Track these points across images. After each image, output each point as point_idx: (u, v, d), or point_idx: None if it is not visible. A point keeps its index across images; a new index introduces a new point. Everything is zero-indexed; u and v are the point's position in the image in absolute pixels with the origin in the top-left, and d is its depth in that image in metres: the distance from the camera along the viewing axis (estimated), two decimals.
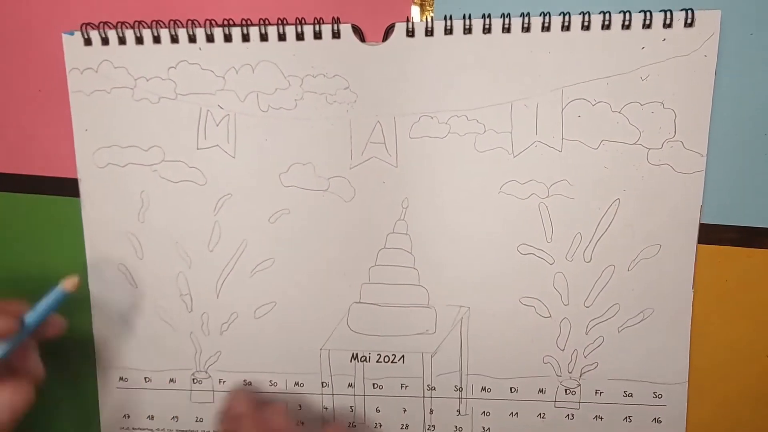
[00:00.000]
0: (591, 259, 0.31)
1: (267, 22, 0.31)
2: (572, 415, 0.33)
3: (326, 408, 0.34)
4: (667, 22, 0.28)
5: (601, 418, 0.33)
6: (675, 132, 0.29)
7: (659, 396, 0.32)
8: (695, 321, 0.31)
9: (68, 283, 0.29)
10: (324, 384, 0.34)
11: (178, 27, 0.31)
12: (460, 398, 0.33)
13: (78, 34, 0.32)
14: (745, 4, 0.28)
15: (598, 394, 0.32)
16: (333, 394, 0.34)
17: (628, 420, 0.32)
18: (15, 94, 0.33)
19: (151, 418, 0.35)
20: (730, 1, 0.28)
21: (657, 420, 0.32)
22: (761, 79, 0.29)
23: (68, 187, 0.34)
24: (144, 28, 0.31)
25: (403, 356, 0.33)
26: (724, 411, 0.32)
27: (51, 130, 0.33)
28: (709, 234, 0.31)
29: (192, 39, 0.31)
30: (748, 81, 0.29)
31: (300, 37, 0.30)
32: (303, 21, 0.30)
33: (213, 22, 0.31)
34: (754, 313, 0.31)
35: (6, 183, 0.35)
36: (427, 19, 0.30)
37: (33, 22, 0.33)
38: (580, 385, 0.32)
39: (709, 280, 0.31)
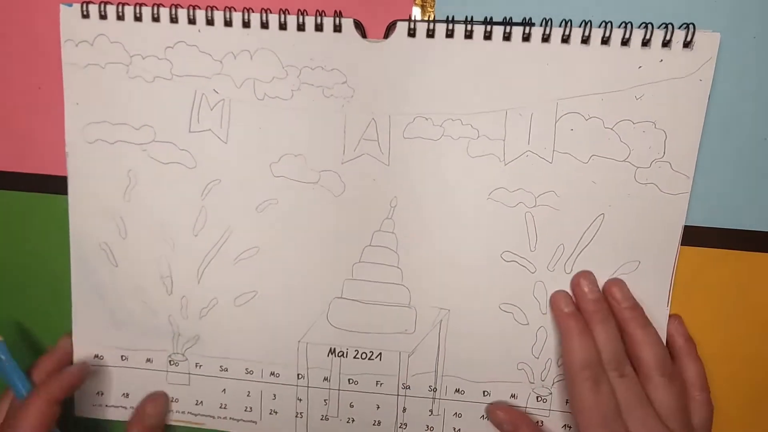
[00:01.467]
0: (572, 270, 0.32)
1: (269, 10, 0.30)
2: (542, 422, 0.33)
3: (300, 400, 0.35)
4: (667, 38, 0.29)
5: (569, 428, 0.33)
6: (664, 153, 0.30)
7: None
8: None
9: None
10: (300, 376, 0.34)
11: (179, 8, 0.31)
12: (434, 398, 0.34)
13: (76, 6, 0.31)
14: (744, 27, 0.29)
15: (569, 404, 0.33)
16: (308, 387, 0.34)
17: None
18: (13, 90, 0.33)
19: (126, 395, 0.35)
20: (728, 24, 0.29)
21: None
22: (758, 84, 0.30)
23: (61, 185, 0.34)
24: (144, 6, 0.31)
25: (380, 354, 0.34)
26: (721, 406, 0.32)
27: (49, 128, 0.33)
28: (702, 236, 0.31)
29: (191, 20, 0.31)
30: (744, 91, 0.30)
31: (301, 27, 0.30)
32: (305, 12, 0.30)
33: (214, 7, 0.31)
34: (749, 316, 0.32)
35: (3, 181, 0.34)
36: (429, 20, 0.30)
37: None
38: (551, 393, 0.33)
39: (702, 283, 0.32)
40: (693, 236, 0.31)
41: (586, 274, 0.31)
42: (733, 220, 0.31)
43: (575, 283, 0.31)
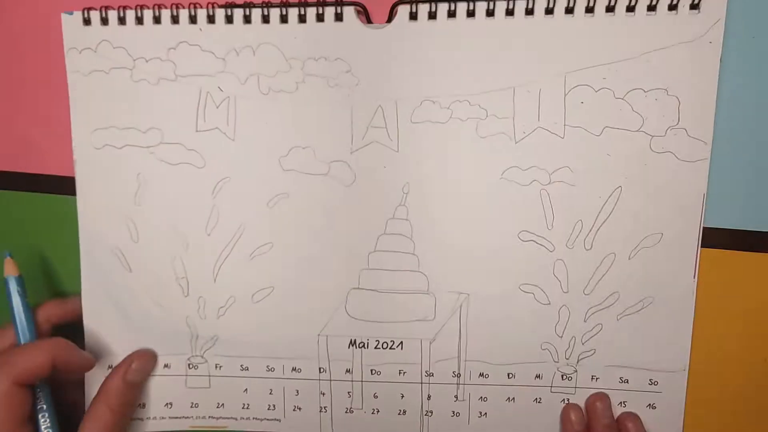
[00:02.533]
0: (591, 246, 0.31)
1: (269, 4, 0.30)
2: (567, 400, 0.33)
3: (323, 394, 0.34)
4: (674, 2, 0.28)
5: None
6: (679, 119, 0.29)
7: (655, 383, 0.32)
8: (695, 320, 0.31)
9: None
10: (321, 370, 0.34)
11: (180, 8, 0.31)
12: (458, 384, 0.33)
13: (77, 14, 0.31)
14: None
15: (594, 380, 0.33)
16: (330, 380, 0.34)
17: (623, 405, 0.33)
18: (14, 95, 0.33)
19: (142, 406, 0.35)
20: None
21: (651, 406, 0.32)
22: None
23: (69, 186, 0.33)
24: (145, 8, 0.31)
25: (402, 342, 0.33)
26: (721, 406, 0.33)
27: (52, 127, 0.33)
28: (713, 237, 0.31)
29: (193, 20, 0.31)
30: (753, 73, 0.29)
31: (302, 19, 0.30)
32: (306, 3, 0.30)
33: (215, 4, 0.31)
34: (756, 317, 0.31)
35: (7, 181, 0.34)
36: (430, 0, 0.30)
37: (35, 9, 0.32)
38: (576, 371, 0.33)
39: (712, 284, 0.31)
40: (711, 237, 0.31)
41: (603, 397, 0.32)
42: (744, 221, 0.31)
43: (590, 402, 0.32)
